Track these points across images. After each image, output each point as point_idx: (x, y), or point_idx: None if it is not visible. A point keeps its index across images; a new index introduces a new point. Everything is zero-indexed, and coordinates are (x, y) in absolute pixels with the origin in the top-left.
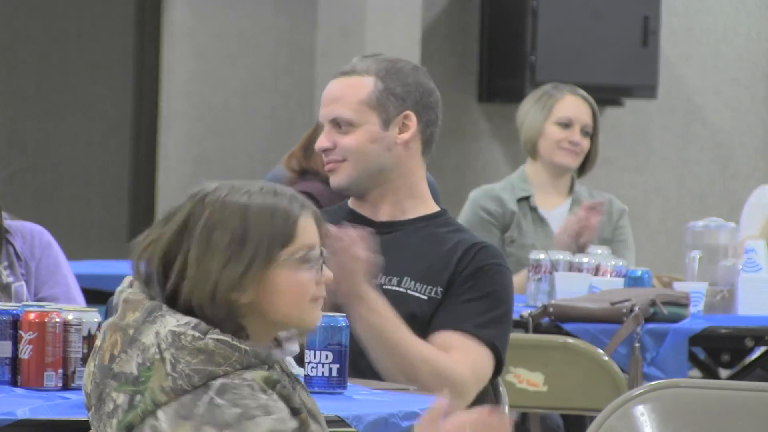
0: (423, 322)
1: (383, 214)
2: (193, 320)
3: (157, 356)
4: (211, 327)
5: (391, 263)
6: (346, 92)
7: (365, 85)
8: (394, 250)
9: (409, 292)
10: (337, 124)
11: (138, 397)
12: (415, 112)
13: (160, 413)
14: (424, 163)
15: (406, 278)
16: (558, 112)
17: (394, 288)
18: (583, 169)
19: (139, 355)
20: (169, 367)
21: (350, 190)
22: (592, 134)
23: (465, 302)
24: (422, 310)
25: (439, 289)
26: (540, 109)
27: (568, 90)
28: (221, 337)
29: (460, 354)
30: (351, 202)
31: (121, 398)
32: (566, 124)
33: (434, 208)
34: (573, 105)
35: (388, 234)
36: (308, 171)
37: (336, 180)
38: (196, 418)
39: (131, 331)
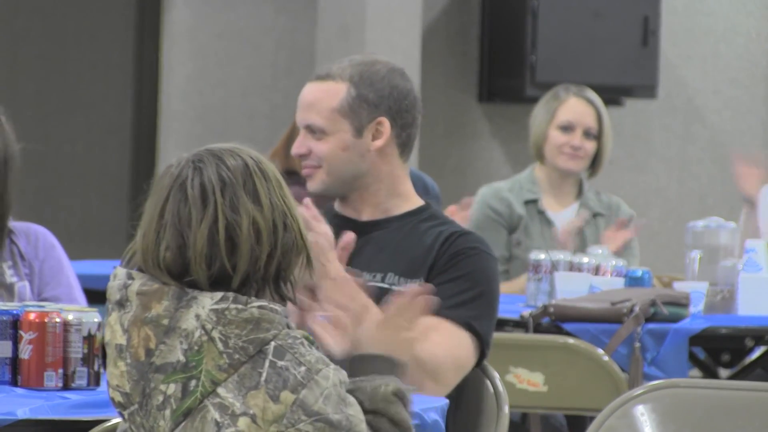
0: None
1: (366, 215)
2: (228, 294)
3: (205, 338)
4: (245, 296)
5: (375, 260)
6: (319, 99)
7: (338, 92)
8: (378, 247)
9: (393, 287)
10: (311, 130)
11: (193, 382)
12: (389, 117)
13: (220, 390)
14: (405, 163)
15: (389, 274)
16: (560, 117)
17: (378, 284)
18: (592, 169)
19: (183, 342)
20: (220, 345)
21: (326, 195)
22: (598, 136)
23: (440, 285)
24: None
25: (421, 280)
26: (545, 113)
27: (574, 92)
28: (260, 302)
29: (435, 336)
30: (336, 204)
31: (172, 388)
32: (567, 128)
33: (417, 203)
34: (575, 108)
35: (372, 233)
36: (290, 172)
37: (312, 185)
38: (268, 386)
39: (165, 321)
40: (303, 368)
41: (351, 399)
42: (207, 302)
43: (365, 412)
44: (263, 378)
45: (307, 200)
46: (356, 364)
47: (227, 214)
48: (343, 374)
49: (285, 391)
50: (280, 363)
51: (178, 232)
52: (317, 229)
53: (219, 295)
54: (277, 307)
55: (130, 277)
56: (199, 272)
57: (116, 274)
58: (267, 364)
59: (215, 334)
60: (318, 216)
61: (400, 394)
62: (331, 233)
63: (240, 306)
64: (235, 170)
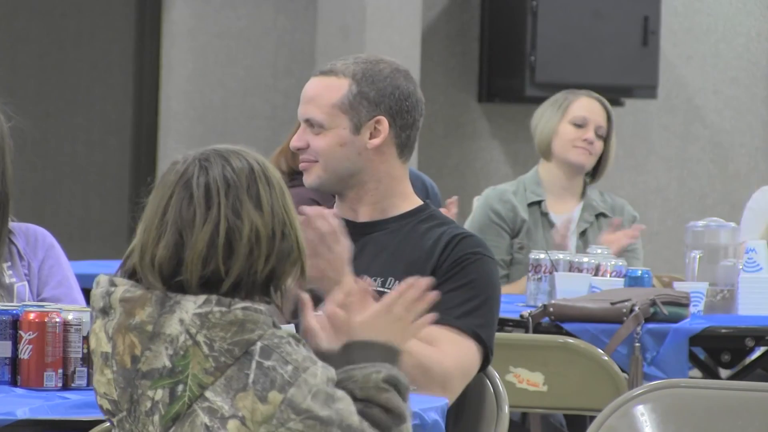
0: None
1: (363, 215)
2: (211, 297)
3: (190, 342)
4: (228, 298)
5: (374, 264)
6: (321, 93)
7: (339, 87)
8: (377, 250)
9: None
10: (310, 124)
11: (180, 387)
12: (388, 116)
13: (208, 393)
14: (404, 164)
15: (390, 278)
16: (573, 112)
17: (378, 289)
18: (595, 173)
19: (168, 347)
20: (206, 349)
21: (321, 190)
22: (605, 137)
23: (445, 294)
24: None
25: None
26: (555, 111)
27: (584, 93)
28: (243, 303)
29: (444, 346)
30: (335, 206)
31: (160, 393)
32: (580, 124)
33: (416, 202)
34: (588, 106)
35: (370, 234)
36: (296, 171)
37: (307, 180)
38: (255, 387)
39: (149, 327)
40: (290, 367)
41: (339, 393)
42: (190, 306)
43: (356, 400)
44: (251, 379)
45: (329, 212)
46: (351, 350)
47: (229, 217)
48: (331, 371)
49: (273, 391)
50: (266, 363)
51: (178, 231)
52: (339, 240)
53: (202, 298)
54: (262, 306)
55: (112, 284)
56: (193, 272)
57: (99, 281)
58: (254, 365)
59: (200, 338)
60: (339, 229)
61: (392, 381)
62: (350, 247)
63: (224, 309)
64: (240, 173)
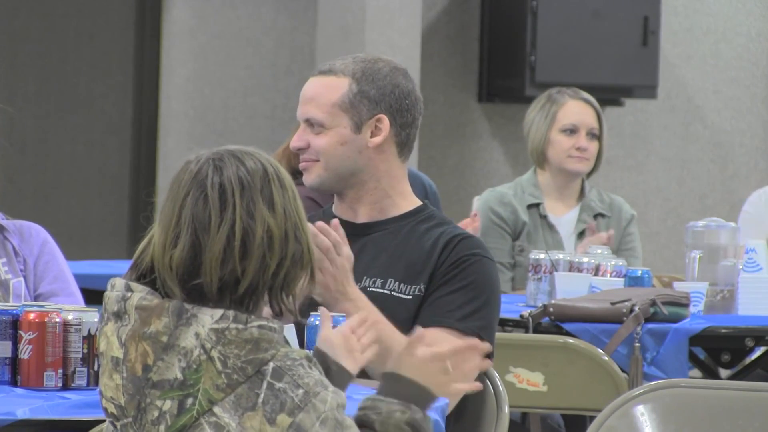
0: (409, 323)
1: (362, 216)
2: (228, 312)
3: (204, 357)
4: (245, 315)
5: (374, 265)
6: (320, 93)
7: (339, 86)
8: (377, 251)
9: (393, 293)
10: (310, 124)
11: (190, 400)
12: (388, 115)
13: (216, 409)
14: (403, 163)
15: (390, 280)
16: (562, 120)
17: (378, 290)
18: (590, 170)
19: (181, 360)
20: (219, 365)
21: (321, 190)
22: (598, 135)
23: (445, 296)
24: (408, 311)
25: (422, 286)
26: (544, 118)
27: (570, 95)
28: (259, 321)
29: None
30: (333, 206)
31: (168, 404)
32: (571, 131)
33: (415, 203)
34: (576, 110)
35: (369, 235)
36: (296, 171)
37: (308, 179)
38: (265, 408)
39: (164, 338)
40: (301, 391)
41: (348, 421)
42: (207, 321)
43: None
44: (260, 399)
45: (335, 221)
46: (389, 381)
47: (244, 219)
48: (342, 397)
49: (282, 414)
50: (278, 385)
51: (194, 232)
52: (341, 252)
53: (219, 313)
54: (275, 325)
55: (128, 289)
56: (212, 275)
57: (114, 284)
58: (265, 385)
59: (214, 354)
60: (343, 238)
61: (415, 425)
62: (352, 256)
63: (240, 326)
64: (254, 174)
